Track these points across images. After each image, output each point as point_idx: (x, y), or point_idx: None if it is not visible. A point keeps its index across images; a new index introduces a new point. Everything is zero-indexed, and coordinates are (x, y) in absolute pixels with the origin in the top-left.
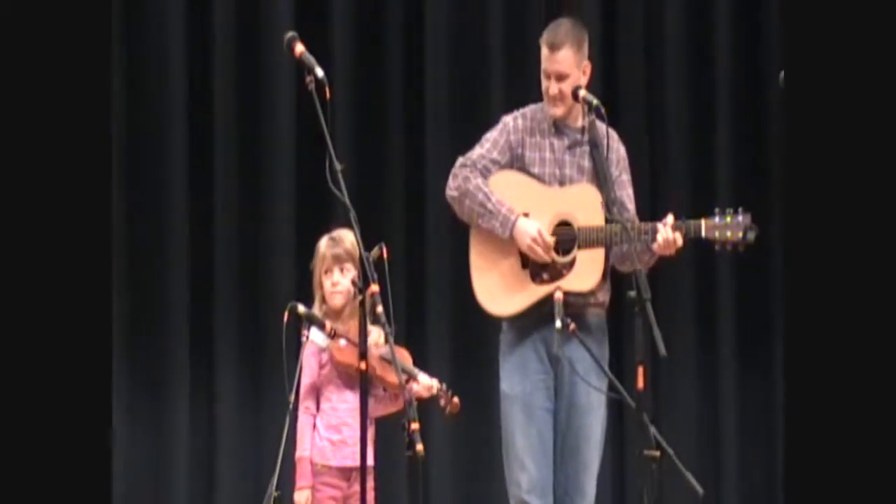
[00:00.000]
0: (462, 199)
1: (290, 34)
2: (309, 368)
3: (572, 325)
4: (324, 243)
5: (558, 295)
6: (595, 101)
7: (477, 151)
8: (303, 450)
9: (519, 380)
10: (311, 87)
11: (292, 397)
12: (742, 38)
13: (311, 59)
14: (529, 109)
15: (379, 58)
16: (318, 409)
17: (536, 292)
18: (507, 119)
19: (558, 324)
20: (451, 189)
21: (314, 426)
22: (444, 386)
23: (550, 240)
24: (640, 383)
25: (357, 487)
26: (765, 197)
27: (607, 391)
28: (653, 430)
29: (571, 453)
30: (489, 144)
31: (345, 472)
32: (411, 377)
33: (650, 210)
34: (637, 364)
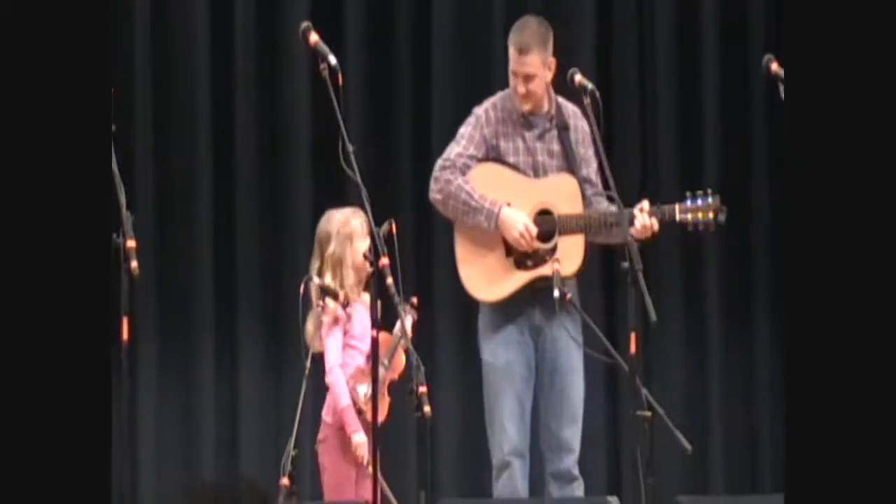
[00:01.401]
0: (446, 201)
1: (305, 24)
2: (335, 335)
3: (569, 295)
4: (353, 214)
5: (556, 267)
6: (590, 86)
7: (454, 150)
8: (345, 401)
9: (501, 350)
10: (325, 73)
11: (308, 363)
12: (729, 29)
13: (324, 48)
14: (499, 98)
15: (389, 46)
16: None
17: (522, 278)
18: (479, 112)
19: (556, 293)
20: (434, 192)
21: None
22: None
23: (535, 230)
24: (633, 348)
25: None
26: (748, 177)
27: (603, 355)
28: (644, 392)
29: (556, 412)
30: (465, 141)
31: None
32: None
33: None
34: (630, 331)
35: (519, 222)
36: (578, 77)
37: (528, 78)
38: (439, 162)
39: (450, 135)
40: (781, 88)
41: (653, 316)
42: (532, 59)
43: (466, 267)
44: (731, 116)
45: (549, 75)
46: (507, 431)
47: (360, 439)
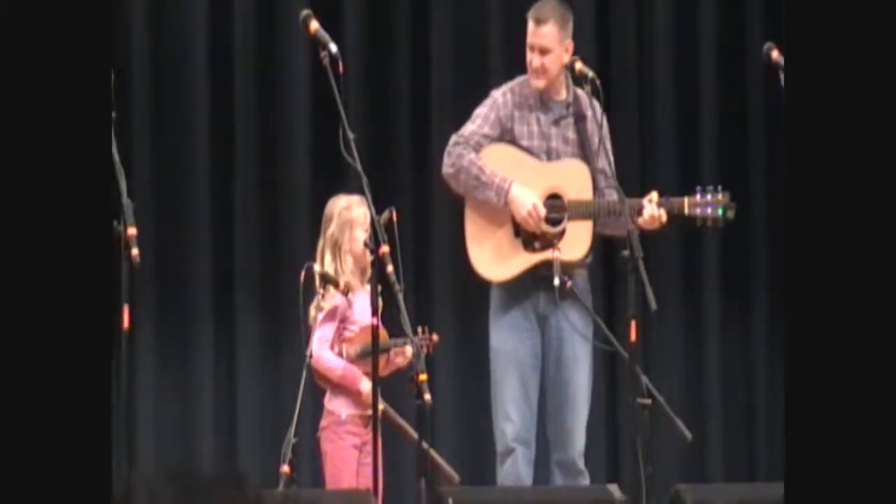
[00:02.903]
0: (458, 175)
1: (306, 12)
2: (332, 321)
3: (569, 283)
4: (354, 202)
5: (556, 255)
6: (591, 74)
7: (469, 128)
8: (340, 368)
9: (508, 336)
10: (326, 61)
11: (308, 351)
12: (727, 21)
13: (325, 36)
14: (517, 83)
15: (388, 34)
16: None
17: (529, 259)
18: (496, 94)
19: (556, 281)
20: (447, 166)
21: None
22: (420, 338)
23: (544, 212)
24: (633, 336)
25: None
26: (746, 168)
27: (603, 343)
28: (644, 379)
29: (561, 404)
30: (480, 120)
31: (364, 419)
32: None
33: (640, 187)
34: (630, 318)
35: (528, 201)
36: (579, 65)
37: (543, 51)
38: (453, 138)
39: (450, 123)
40: (782, 77)
41: (653, 304)
42: (548, 31)
43: (475, 245)
44: (728, 106)
45: (566, 57)
46: (512, 418)
47: (366, 387)
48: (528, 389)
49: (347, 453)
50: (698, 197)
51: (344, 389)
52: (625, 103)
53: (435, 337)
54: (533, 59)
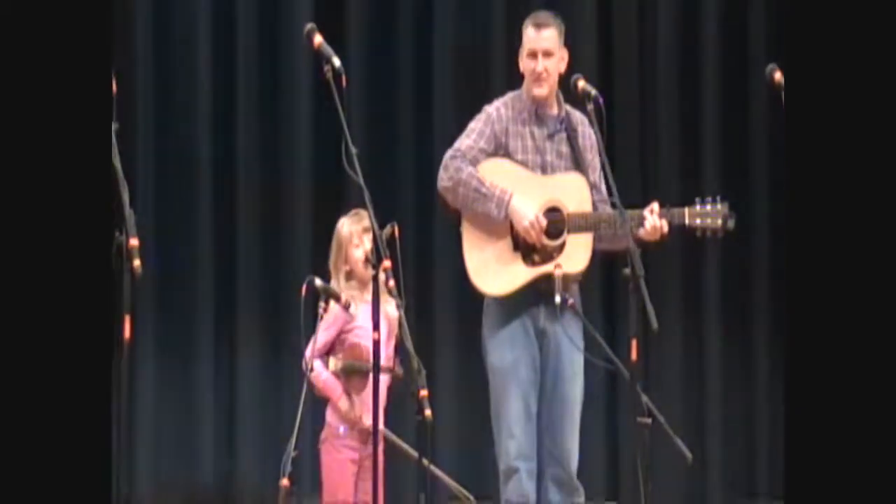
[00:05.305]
0: (456, 188)
1: (310, 26)
2: (332, 321)
3: (570, 300)
4: (347, 222)
5: (558, 272)
6: (594, 92)
7: (465, 142)
8: (321, 379)
9: (508, 352)
10: (329, 75)
11: (307, 363)
12: (729, 35)
13: (328, 50)
14: (510, 98)
15: (391, 48)
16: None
17: (529, 273)
18: (490, 109)
19: (557, 299)
20: (444, 180)
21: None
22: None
23: (544, 223)
24: (634, 355)
25: (371, 450)
26: (747, 185)
27: (603, 362)
28: (645, 399)
29: (557, 418)
30: (475, 135)
31: (363, 435)
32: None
33: (642, 198)
34: (631, 338)
35: (530, 212)
36: (582, 83)
37: (546, 54)
38: (449, 152)
39: (451, 137)
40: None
41: (654, 324)
42: (550, 35)
43: (473, 259)
44: (731, 122)
45: (562, 66)
46: (515, 435)
47: (343, 405)
48: (528, 405)
49: (345, 467)
50: (699, 207)
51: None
52: (626, 115)
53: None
54: (536, 64)
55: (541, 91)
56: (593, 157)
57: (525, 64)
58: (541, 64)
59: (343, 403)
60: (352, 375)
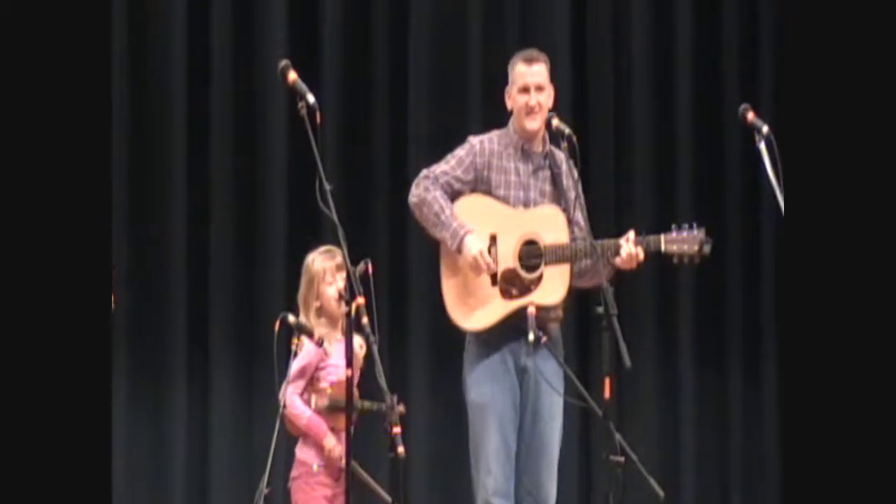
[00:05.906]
0: (420, 206)
1: (284, 62)
2: (306, 357)
3: (545, 338)
4: (320, 258)
5: (531, 310)
6: (568, 131)
7: (441, 167)
8: (306, 417)
9: (488, 389)
10: (303, 112)
11: (281, 400)
12: (703, 65)
13: (303, 86)
14: (496, 134)
15: (365, 86)
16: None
17: (506, 307)
18: (475, 141)
19: (531, 336)
20: (413, 196)
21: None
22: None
23: (489, 259)
24: (607, 393)
25: (344, 487)
26: (722, 213)
27: (576, 399)
28: (618, 437)
29: (535, 457)
30: (454, 161)
31: (334, 472)
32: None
33: (616, 225)
34: (604, 376)
35: (475, 247)
36: (556, 121)
37: (538, 88)
38: (423, 171)
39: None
40: (757, 137)
41: (627, 362)
42: (540, 69)
43: (451, 295)
44: (705, 154)
45: (550, 101)
46: (492, 471)
47: (329, 443)
48: (507, 442)
49: (319, 503)
50: (675, 233)
51: (310, 439)
52: (601, 143)
53: (402, 408)
54: (528, 99)
55: (534, 124)
56: (576, 196)
57: (516, 99)
58: (534, 98)
59: (328, 441)
60: (334, 413)
